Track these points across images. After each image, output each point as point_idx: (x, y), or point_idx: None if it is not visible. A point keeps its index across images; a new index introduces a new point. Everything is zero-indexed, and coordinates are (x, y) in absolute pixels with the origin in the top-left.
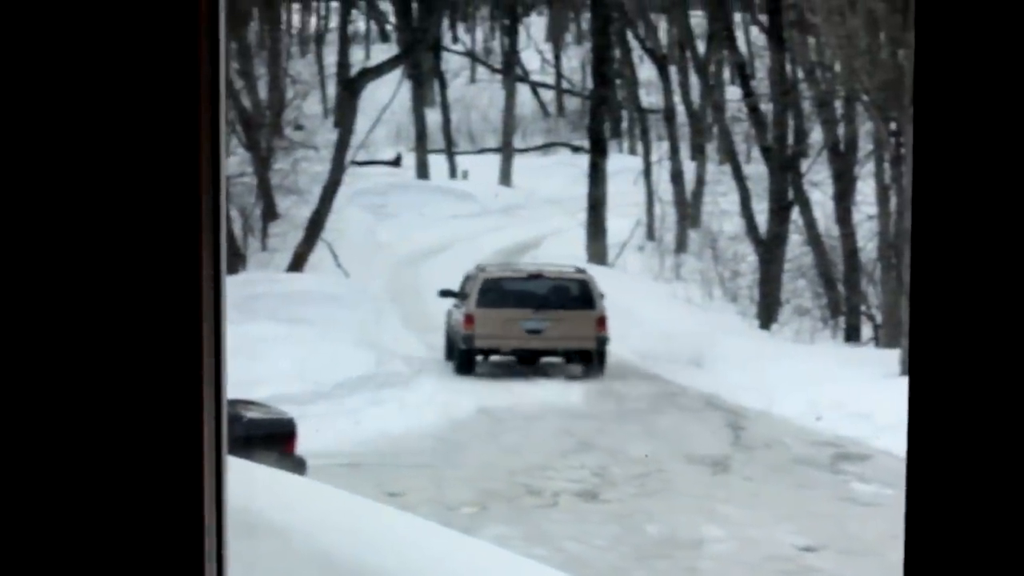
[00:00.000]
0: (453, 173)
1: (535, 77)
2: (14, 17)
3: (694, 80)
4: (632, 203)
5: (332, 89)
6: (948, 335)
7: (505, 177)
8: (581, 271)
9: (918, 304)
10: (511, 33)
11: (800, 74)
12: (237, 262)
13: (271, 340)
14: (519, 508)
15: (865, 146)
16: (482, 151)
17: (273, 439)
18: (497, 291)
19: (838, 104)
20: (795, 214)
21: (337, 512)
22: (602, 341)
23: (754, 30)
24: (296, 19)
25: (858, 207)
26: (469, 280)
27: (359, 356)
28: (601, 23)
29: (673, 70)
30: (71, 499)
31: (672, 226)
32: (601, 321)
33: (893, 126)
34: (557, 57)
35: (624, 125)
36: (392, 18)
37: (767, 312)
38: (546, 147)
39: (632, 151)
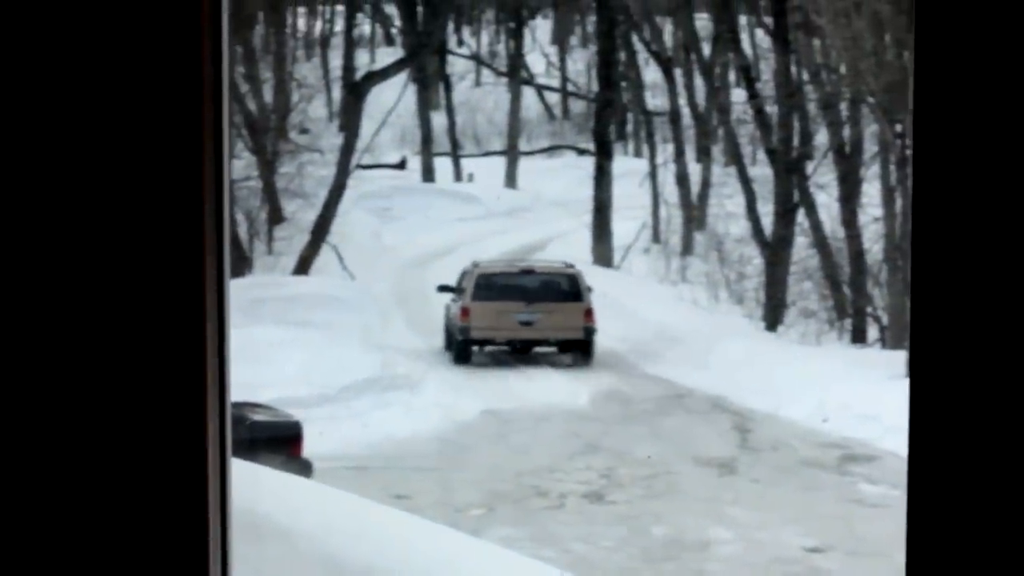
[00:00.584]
0: (458, 176)
1: (540, 80)
2: (18, 20)
3: (699, 82)
4: (638, 205)
5: (337, 93)
6: (949, 336)
7: (510, 180)
8: (570, 266)
9: (919, 306)
10: (516, 36)
11: (805, 76)
12: (243, 265)
13: (277, 343)
14: (526, 510)
15: (871, 148)
16: (487, 154)
17: (279, 442)
18: (491, 285)
19: (843, 106)
20: (801, 216)
21: (344, 515)
22: (589, 331)
23: (759, 32)
24: (301, 23)
25: (864, 209)
26: (466, 275)
27: (365, 359)
28: (606, 26)
29: (678, 72)
30: (76, 502)
31: (678, 228)
32: (588, 313)
33: (899, 128)
34: (562, 60)
35: (629, 127)
36: (397, 22)
37: (773, 314)
38: (551, 150)
39: (637, 153)
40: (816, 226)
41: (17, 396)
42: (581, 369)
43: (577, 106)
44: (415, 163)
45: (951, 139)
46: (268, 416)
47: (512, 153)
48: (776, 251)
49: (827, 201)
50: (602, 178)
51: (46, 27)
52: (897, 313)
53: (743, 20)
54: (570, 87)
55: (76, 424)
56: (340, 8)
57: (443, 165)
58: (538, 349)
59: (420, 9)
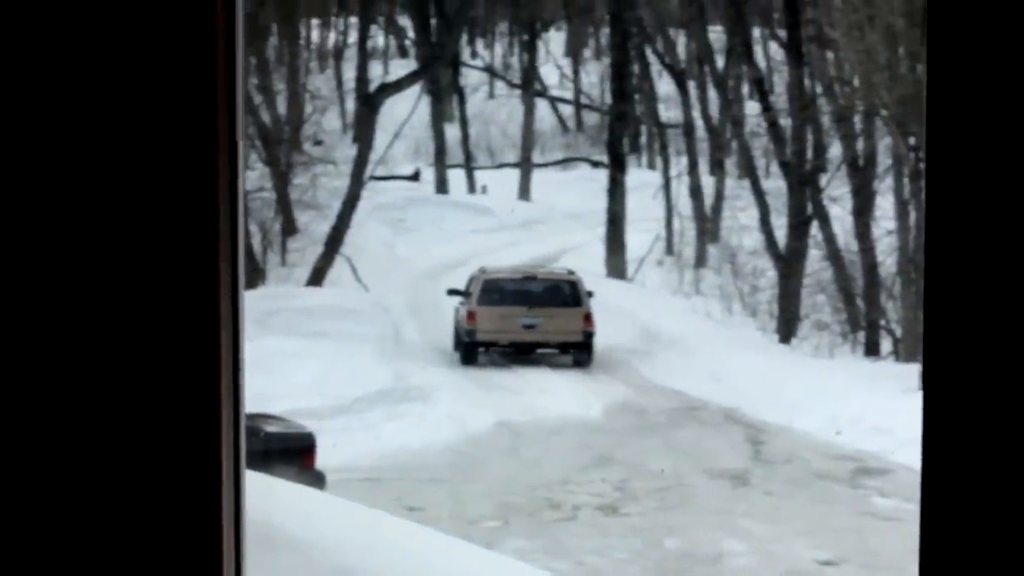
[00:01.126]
0: (472, 188)
1: (554, 92)
2: (36, 36)
3: (713, 95)
4: (651, 218)
5: (351, 104)
6: (962, 349)
7: (524, 192)
8: (571, 273)
9: (932, 318)
10: (530, 48)
11: (819, 89)
12: (256, 277)
13: (291, 354)
14: (539, 522)
15: (884, 161)
16: (501, 166)
17: (292, 453)
18: (497, 290)
19: (857, 119)
20: (814, 229)
21: (357, 527)
22: (588, 335)
23: (773, 45)
24: (315, 35)
25: (877, 222)
26: (473, 280)
27: (378, 370)
28: (620, 38)
29: (692, 85)
30: (93, 512)
31: (691, 241)
32: (587, 317)
33: (912, 141)
34: (576, 72)
35: (643, 140)
36: (411, 34)
37: (786, 327)
38: (565, 162)
39: (651, 166)
40: (830, 239)
41: (33, 406)
42: (594, 380)
43: (591, 118)
44: (429, 175)
45: (964, 152)
46: (281, 428)
47: (526, 165)
48: (789, 264)
49: (841, 214)
50: (616, 190)
51: (64, 41)
52: (910, 326)
53: (756, 32)
54: (584, 99)
55: (92, 435)
56: (354, 20)
57: (457, 177)
58: (540, 351)
59: (434, 21)
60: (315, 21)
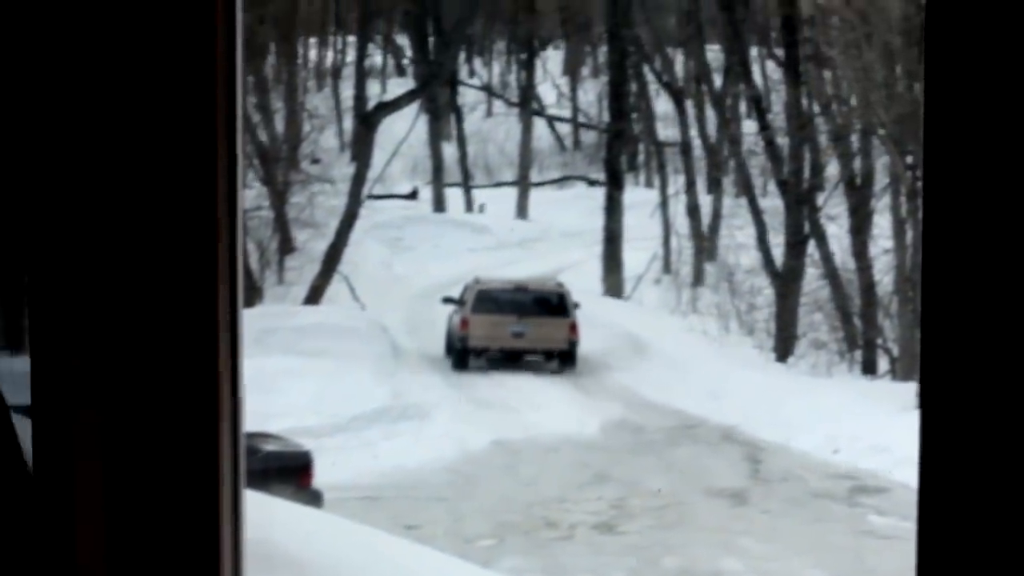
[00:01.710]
0: (469, 206)
1: (551, 111)
2: (35, 53)
3: (710, 114)
4: (648, 236)
5: (348, 123)
6: (959, 368)
7: (521, 210)
8: (559, 285)
9: (929, 338)
10: (527, 67)
11: (816, 108)
12: (254, 295)
13: (288, 373)
14: (536, 540)
15: (882, 180)
16: (498, 184)
17: (289, 472)
18: (489, 300)
19: (854, 138)
20: (811, 248)
21: (354, 545)
22: (572, 344)
23: (770, 64)
24: (312, 53)
25: (874, 241)
26: (467, 290)
27: (376, 389)
28: (618, 57)
29: (689, 104)
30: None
31: (688, 259)
32: (573, 327)
33: (909, 159)
34: (573, 91)
35: (640, 158)
36: (409, 52)
37: (784, 345)
38: (562, 180)
39: (648, 184)
40: (827, 258)
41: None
42: (591, 398)
43: (588, 137)
44: (426, 193)
45: (961, 171)
46: (278, 446)
47: (523, 184)
48: (787, 282)
49: (838, 233)
50: (613, 209)
51: (65, 61)
52: (908, 344)
53: (754, 52)
54: (581, 118)
55: None
56: (351, 39)
57: (454, 195)
58: (527, 358)
59: (431, 40)
60: (313, 40)
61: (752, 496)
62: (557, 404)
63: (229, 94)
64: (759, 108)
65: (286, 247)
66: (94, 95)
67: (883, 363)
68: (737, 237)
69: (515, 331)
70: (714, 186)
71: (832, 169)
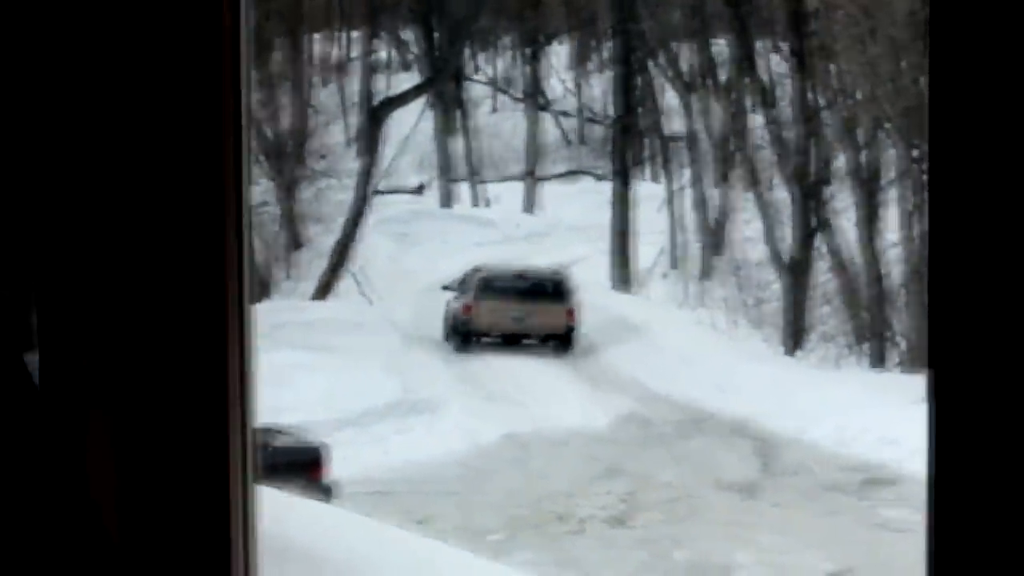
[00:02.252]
0: (476, 201)
1: (558, 105)
2: (45, 53)
3: (717, 107)
4: (656, 230)
5: (355, 118)
6: (968, 360)
7: (528, 205)
8: (557, 272)
9: (938, 329)
10: (534, 62)
11: (823, 101)
12: (262, 291)
13: (297, 368)
14: (547, 534)
15: (889, 172)
16: (505, 179)
17: (300, 466)
18: (491, 286)
19: (861, 131)
20: (819, 240)
21: (366, 540)
22: (570, 328)
23: (776, 57)
24: (319, 49)
25: (882, 233)
26: (467, 277)
27: (385, 383)
28: (624, 51)
29: (696, 97)
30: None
31: (696, 253)
32: (570, 312)
33: (916, 152)
34: (579, 85)
35: (647, 152)
36: (415, 48)
37: (792, 338)
38: (569, 175)
39: (655, 178)
40: (835, 250)
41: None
42: (600, 392)
43: (595, 131)
44: (433, 188)
45: (968, 162)
46: (289, 441)
47: (530, 178)
48: (795, 275)
49: (845, 225)
50: (620, 203)
51: (73, 60)
52: (916, 337)
53: (760, 45)
54: (587, 112)
55: None
56: (357, 34)
57: (461, 190)
58: (526, 341)
59: (437, 35)
60: (318, 36)
61: (763, 489)
62: (566, 398)
63: (236, 91)
64: (766, 102)
65: (294, 243)
66: (102, 94)
67: (892, 355)
68: (745, 230)
69: (515, 316)
70: (721, 180)
71: (839, 162)
